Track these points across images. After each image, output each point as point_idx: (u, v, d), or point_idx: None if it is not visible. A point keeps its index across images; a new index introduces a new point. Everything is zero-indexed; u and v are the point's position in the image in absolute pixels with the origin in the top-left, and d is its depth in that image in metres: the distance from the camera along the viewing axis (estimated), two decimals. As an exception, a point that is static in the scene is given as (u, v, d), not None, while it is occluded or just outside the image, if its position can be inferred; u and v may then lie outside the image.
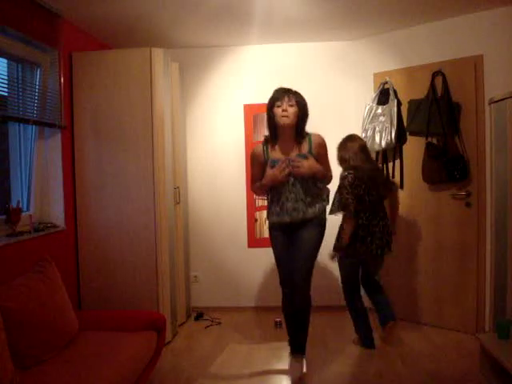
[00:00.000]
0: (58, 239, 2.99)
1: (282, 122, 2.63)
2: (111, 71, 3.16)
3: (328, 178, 2.86)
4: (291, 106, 2.62)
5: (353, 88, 3.95)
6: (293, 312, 2.83)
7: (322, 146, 2.77)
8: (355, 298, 3.20)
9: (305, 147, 2.71)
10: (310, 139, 2.72)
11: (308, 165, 2.64)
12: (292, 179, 2.66)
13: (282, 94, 2.65)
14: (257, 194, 3.10)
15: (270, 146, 2.75)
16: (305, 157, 2.67)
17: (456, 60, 3.36)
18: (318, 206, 2.72)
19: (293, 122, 2.64)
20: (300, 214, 2.67)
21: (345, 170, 3.07)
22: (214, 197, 4.11)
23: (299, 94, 2.69)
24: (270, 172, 2.69)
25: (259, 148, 2.79)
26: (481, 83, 3.27)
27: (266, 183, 2.73)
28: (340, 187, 3.02)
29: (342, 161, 3.12)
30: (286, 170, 2.63)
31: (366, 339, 3.18)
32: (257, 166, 2.81)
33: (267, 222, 2.89)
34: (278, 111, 2.63)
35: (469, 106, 3.32)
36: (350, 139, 3.15)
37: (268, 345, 3.32)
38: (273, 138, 2.74)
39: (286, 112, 2.60)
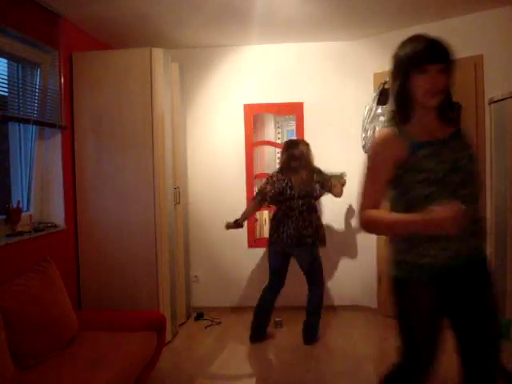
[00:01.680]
0: (58, 239, 2.99)
1: (429, 103, 1.52)
2: (111, 71, 3.16)
3: None
4: (443, 71, 1.50)
5: (353, 88, 3.95)
6: None
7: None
8: (265, 288, 3.37)
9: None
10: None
11: None
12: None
13: (431, 51, 1.49)
14: (371, 232, 1.67)
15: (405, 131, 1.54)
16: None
17: (456, 60, 3.35)
18: None
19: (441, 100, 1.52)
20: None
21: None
22: (214, 197, 4.10)
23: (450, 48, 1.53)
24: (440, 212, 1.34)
25: (391, 136, 1.55)
26: (481, 83, 3.28)
27: (426, 225, 1.39)
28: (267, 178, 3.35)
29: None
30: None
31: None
32: (384, 171, 1.54)
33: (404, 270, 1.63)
34: (420, 82, 1.49)
35: (469, 105, 3.32)
36: (288, 146, 3.35)
37: (268, 345, 3.32)
38: (404, 118, 1.56)
39: (435, 85, 1.48)
